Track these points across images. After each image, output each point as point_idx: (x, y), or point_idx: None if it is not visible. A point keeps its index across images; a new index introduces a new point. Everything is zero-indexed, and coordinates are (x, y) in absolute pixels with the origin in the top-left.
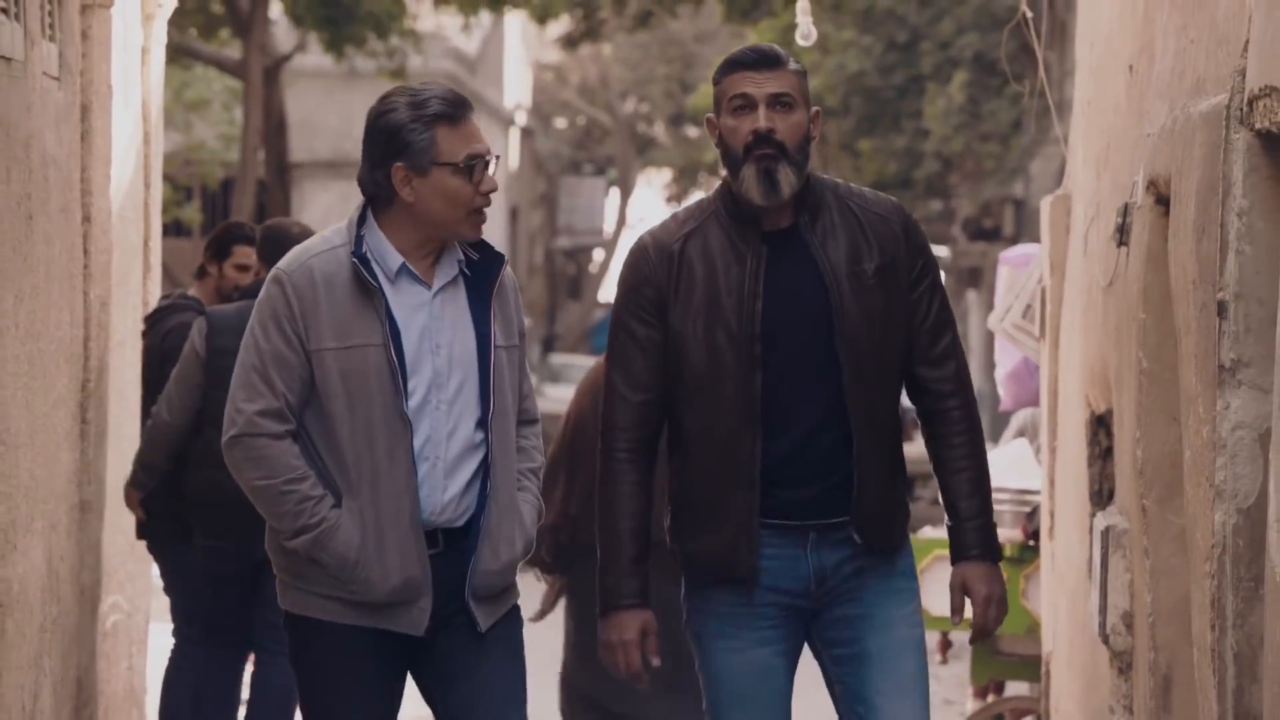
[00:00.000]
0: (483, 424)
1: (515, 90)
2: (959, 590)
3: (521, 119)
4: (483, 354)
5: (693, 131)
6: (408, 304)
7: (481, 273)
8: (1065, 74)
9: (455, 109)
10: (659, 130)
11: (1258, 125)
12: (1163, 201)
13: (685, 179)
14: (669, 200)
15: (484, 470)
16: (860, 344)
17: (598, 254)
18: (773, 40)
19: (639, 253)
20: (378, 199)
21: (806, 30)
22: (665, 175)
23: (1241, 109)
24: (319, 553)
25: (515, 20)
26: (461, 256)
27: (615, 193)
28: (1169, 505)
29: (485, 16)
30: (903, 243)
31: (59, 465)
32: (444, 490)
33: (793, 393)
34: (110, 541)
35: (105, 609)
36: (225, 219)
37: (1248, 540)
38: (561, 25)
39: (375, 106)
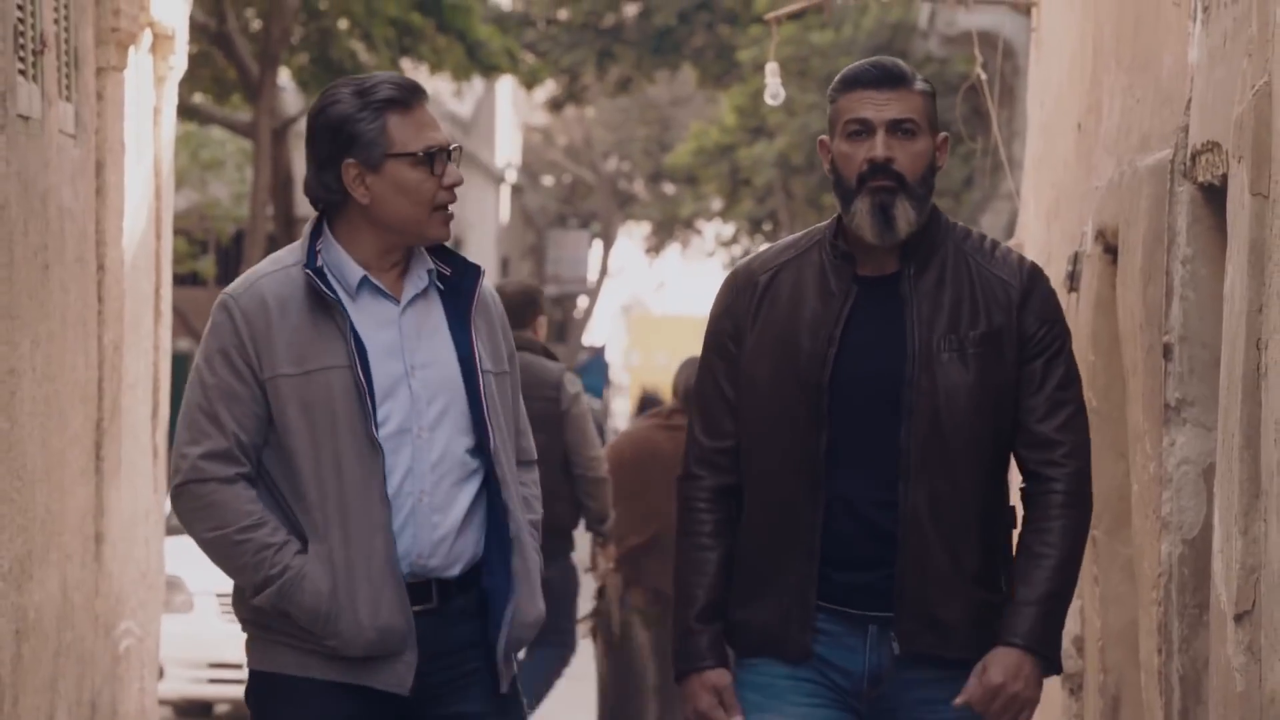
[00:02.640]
0: (480, 452)
1: (506, 150)
2: (978, 675)
3: (512, 177)
4: (468, 375)
5: (669, 188)
6: (373, 321)
7: (456, 287)
8: (1013, 134)
9: (407, 94)
10: (638, 187)
11: (1200, 179)
12: (1111, 250)
13: (663, 231)
14: (648, 251)
15: (489, 506)
16: (932, 425)
17: (582, 300)
18: (742, 104)
19: (727, 282)
20: (330, 206)
21: (775, 90)
22: (644, 228)
23: (1185, 163)
24: (287, 605)
25: (505, 85)
26: (431, 268)
27: (598, 244)
28: (1117, 536)
29: (477, 82)
30: (1016, 312)
31: (74, 500)
32: (433, 529)
33: (858, 461)
34: (122, 571)
35: (118, 634)
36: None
37: (1192, 569)
38: (548, 90)
39: (317, 102)
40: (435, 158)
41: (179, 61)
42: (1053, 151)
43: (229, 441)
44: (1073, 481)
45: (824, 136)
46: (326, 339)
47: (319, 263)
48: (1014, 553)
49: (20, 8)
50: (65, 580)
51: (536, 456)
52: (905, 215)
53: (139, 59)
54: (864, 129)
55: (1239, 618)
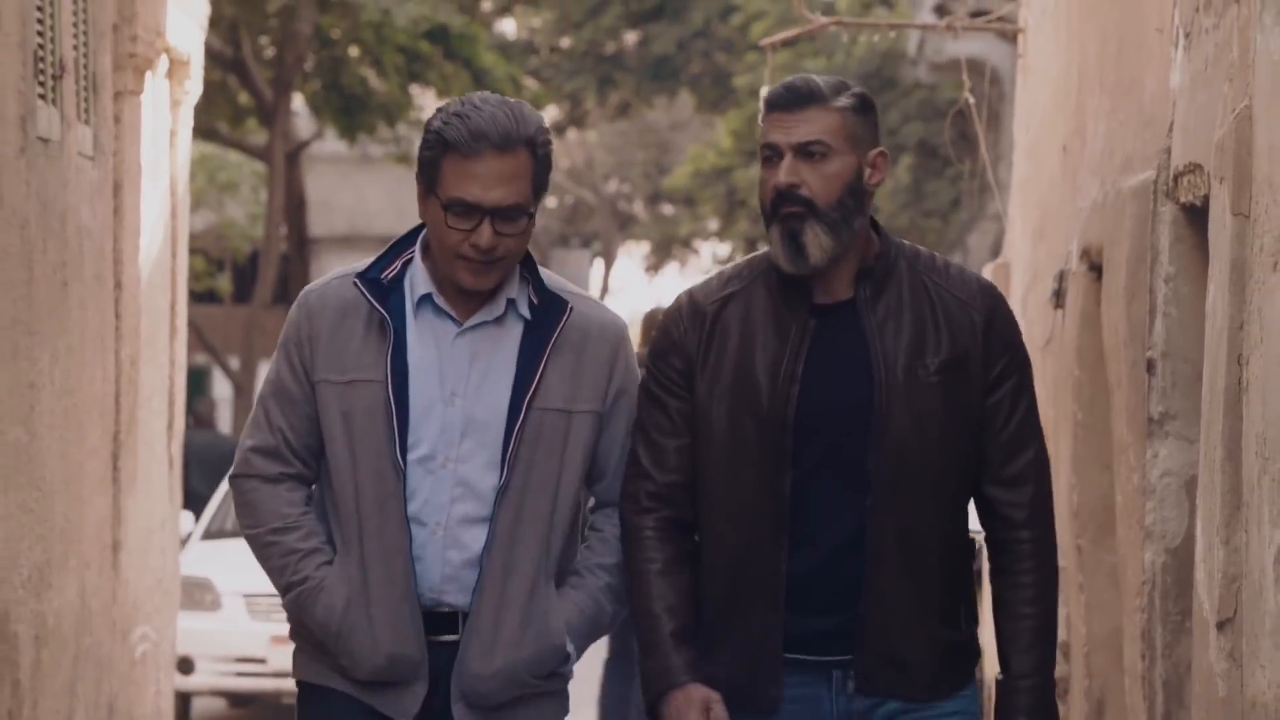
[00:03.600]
0: (496, 499)
1: None
2: None
3: None
4: (513, 411)
5: (668, 209)
6: (426, 340)
7: (541, 320)
8: (999, 157)
9: (474, 141)
10: (638, 208)
11: (1182, 199)
12: (1095, 269)
13: (661, 251)
14: (647, 270)
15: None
16: (901, 454)
17: None
18: (738, 128)
19: (672, 314)
20: None
21: None
22: (644, 248)
23: (1168, 184)
24: (302, 615)
25: None
26: (513, 297)
27: (600, 263)
28: (1102, 545)
29: None
30: (980, 335)
31: (92, 509)
32: (444, 563)
33: (822, 500)
34: (139, 578)
35: (135, 639)
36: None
37: (1175, 577)
38: (551, 115)
39: (450, 99)
40: (457, 212)
41: (194, 86)
42: (1039, 173)
43: (275, 439)
44: (1041, 524)
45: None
46: (372, 351)
47: (393, 273)
48: (987, 596)
49: (40, 34)
50: (83, 587)
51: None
52: (817, 242)
53: (155, 84)
54: (773, 153)
55: (1221, 625)
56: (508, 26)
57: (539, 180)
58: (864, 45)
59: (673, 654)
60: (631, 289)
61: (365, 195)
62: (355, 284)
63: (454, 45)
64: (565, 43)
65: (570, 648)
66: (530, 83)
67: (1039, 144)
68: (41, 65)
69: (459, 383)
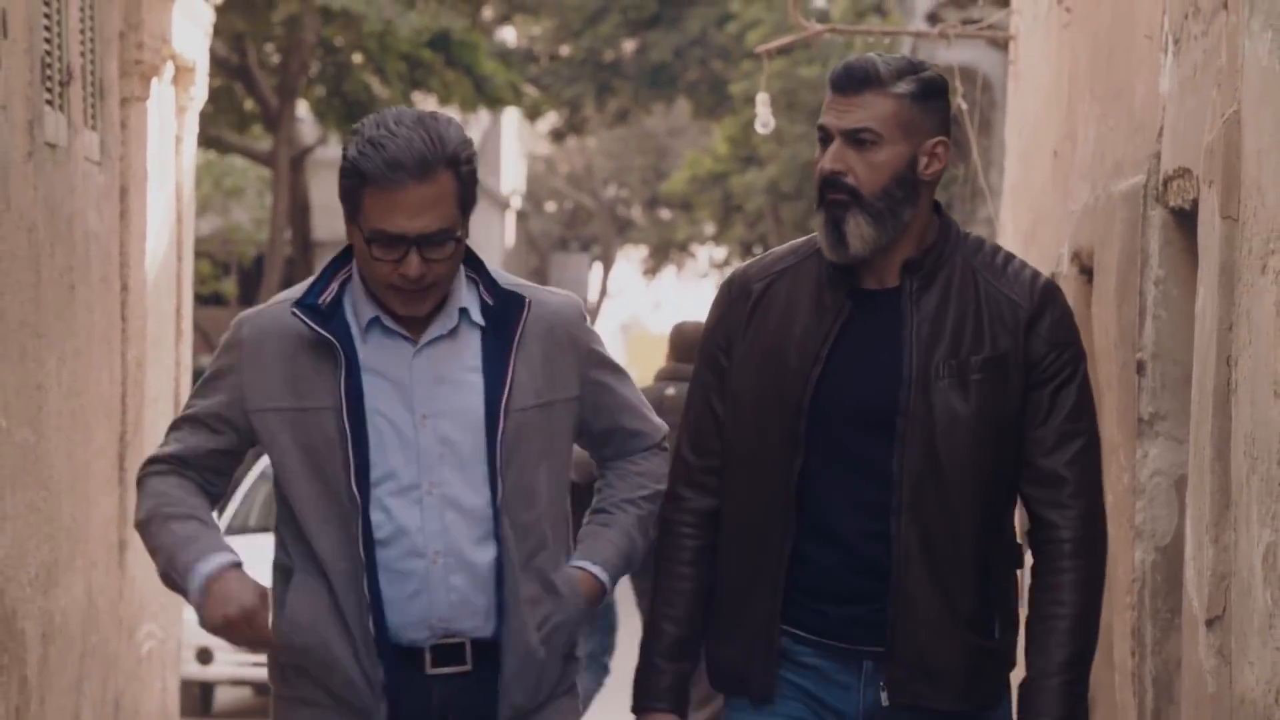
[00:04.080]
0: (492, 513)
1: (511, 178)
2: None
3: (517, 203)
4: (491, 420)
5: (665, 213)
6: (382, 364)
7: (500, 319)
8: (990, 163)
9: (391, 171)
10: (636, 212)
11: (1172, 203)
12: (1086, 271)
13: (659, 255)
14: (645, 273)
15: (499, 571)
16: (927, 457)
17: None
18: (734, 134)
19: (722, 290)
20: None
21: (766, 119)
22: (642, 251)
23: (1157, 189)
24: (170, 570)
25: (511, 117)
26: (464, 306)
27: (598, 266)
28: None
29: (484, 114)
30: (1023, 335)
31: (99, 509)
32: (449, 591)
33: (839, 492)
34: (145, 576)
35: (141, 637)
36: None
37: (1165, 575)
38: (551, 121)
39: (365, 120)
40: (382, 244)
41: (199, 92)
42: (1030, 178)
43: (182, 451)
44: (1081, 525)
45: None
46: (325, 378)
47: (330, 296)
48: (1022, 602)
49: (47, 41)
50: (90, 585)
51: (660, 440)
52: (859, 232)
53: (161, 90)
54: (825, 137)
55: (1210, 622)
56: (508, 34)
57: (464, 199)
58: (858, 52)
59: (661, 675)
60: (629, 292)
61: None
62: (294, 313)
63: (455, 53)
64: (565, 50)
65: (606, 580)
66: (530, 90)
67: (1030, 149)
68: (49, 72)
69: (428, 403)
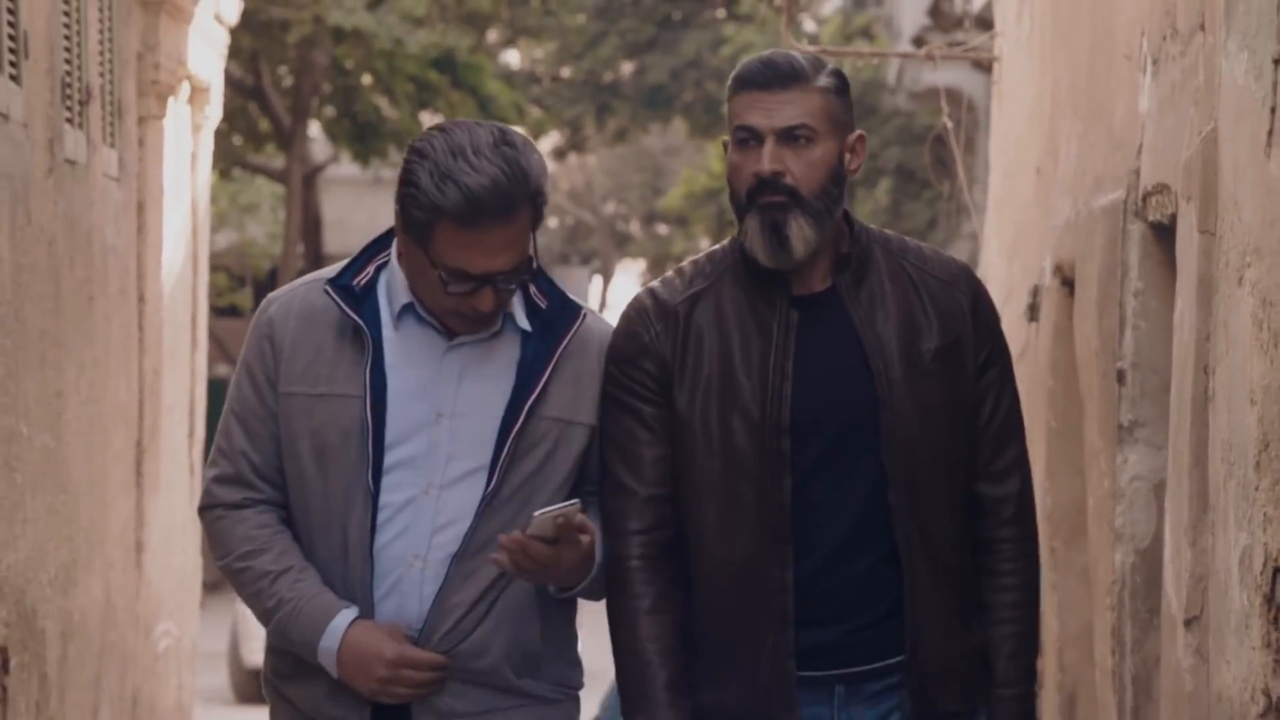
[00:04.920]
0: (480, 507)
1: None
2: None
3: None
4: (509, 416)
5: (662, 228)
6: (410, 354)
7: (550, 325)
8: (973, 180)
9: (475, 214)
10: (634, 228)
11: (1151, 218)
12: (1068, 284)
13: (656, 268)
14: (643, 285)
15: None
16: (914, 447)
17: None
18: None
19: (636, 315)
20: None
21: None
22: (640, 265)
23: (1137, 204)
24: (287, 642)
25: None
26: (514, 308)
27: (598, 279)
28: (1074, 546)
29: None
30: (970, 318)
31: (116, 512)
32: (422, 600)
33: (818, 502)
34: (161, 577)
35: (157, 634)
36: None
37: (1144, 577)
38: (552, 140)
39: (425, 133)
40: (457, 278)
41: (214, 111)
42: (1013, 193)
43: (238, 465)
44: (1025, 522)
45: (726, 138)
46: (348, 363)
47: (365, 279)
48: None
49: (67, 62)
50: (108, 585)
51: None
52: (801, 234)
53: (177, 109)
54: (752, 137)
55: (1188, 622)
56: (512, 57)
57: (536, 224)
58: (849, 74)
59: (667, 709)
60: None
61: (377, 215)
62: (326, 290)
63: (461, 75)
64: (566, 72)
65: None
66: (533, 110)
67: (1014, 166)
68: (69, 91)
69: (446, 401)
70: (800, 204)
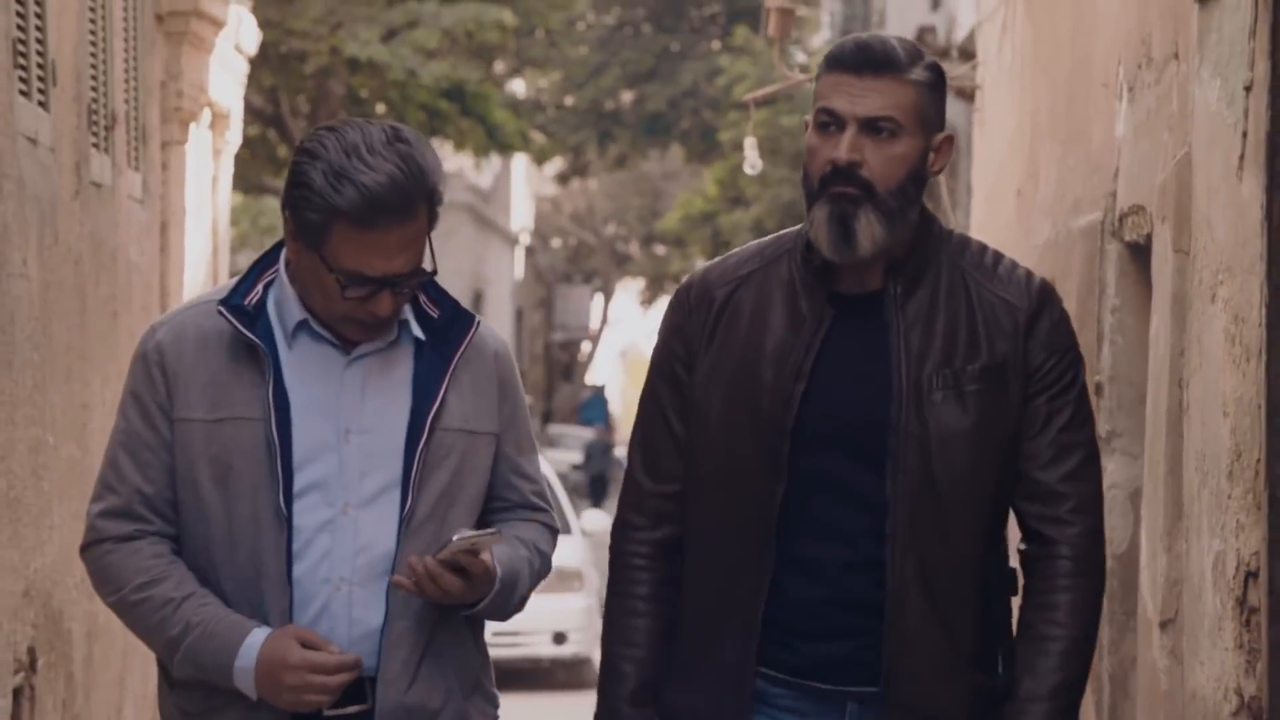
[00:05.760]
0: (400, 529)
1: (520, 217)
2: None
3: (525, 240)
4: (413, 432)
5: (660, 249)
6: (308, 372)
7: (443, 335)
8: (955, 204)
9: (373, 213)
10: (633, 248)
11: (1127, 238)
12: None
13: (654, 287)
14: (642, 303)
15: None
16: (923, 479)
17: (586, 346)
18: (722, 177)
19: (679, 296)
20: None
21: (754, 161)
22: (639, 283)
23: (1114, 224)
24: (199, 669)
25: (520, 161)
26: (405, 318)
27: (599, 297)
28: None
29: (495, 158)
30: (1023, 340)
31: None
32: (351, 624)
33: (823, 516)
34: None
35: None
36: None
37: (1121, 580)
38: (556, 165)
39: (313, 133)
40: (355, 283)
41: (234, 137)
42: (995, 215)
43: (126, 498)
44: (1081, 543)
45: (808, 118)
46: (245, 385)
47: (255, 298)
48: (1014, 628)
49: (94, 89)
50: None
51: (554, 525)
52: (869, 231)
53: (199, 134)
54: (833, 122)
55: (1164, 625)
56: (518, 86)
57: (433, 222)
58: None
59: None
60: (627, 320)
61: None
62: (220, 312)
63: (470, 103)
64: (569, 101)
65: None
66: (538, 136)
67: (995, 189)
68: (95, 117)
69: (353, 418)
70: (873, 199)
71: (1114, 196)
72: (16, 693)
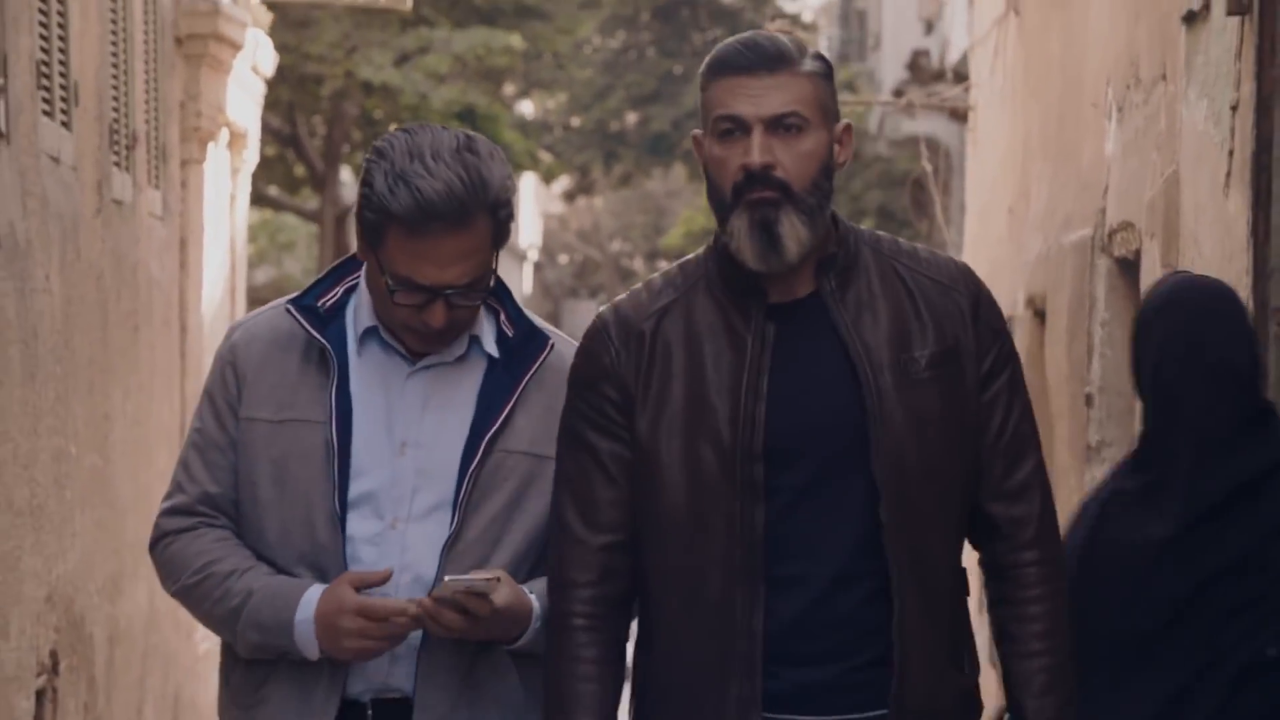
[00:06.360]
0: (443, 551)
1: (529, 233)
2: None
3: (534, 256)
4: (468, 451)
5: (664, 265)
6: (372, 379)
7: (517, 353)
8: (949, 221)
9: (425, 219)
10: (638, 264)
11: (1116, 253)
12: (1039, 314)
13: None
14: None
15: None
16: (906, 463)
17: None
18: None
19: (596, 334)
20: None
21: None
22: None
23: (1103, 240)
24: (260, 634)
25: (528, 180)
26: (482, 331)
27: None
28: None
29: None
30: (970, 323)
31: None
32: (393, 640)
33: (806, 532)
34: None
35: (198, 637)
36: None
37: None
38: (563, 184)
39: (390, 133)
40: (406, 289)
41: (251, 156)
42: (988, 231)
43: (191, 495)
44: (1049, 544)
45: (697, 132)
46: (312, 388)
47: (332, 300)
48: (995, 640)
49: (115, 109)
50: (152, 593)
51: None
52: (794, 232)
53: (217, 153)
54: (737, 127)
55: None
56: (527, 108)
57: (499, 241)
58: None
59: None
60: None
61: None
62: (289, 311)
63: (480, 124)
64: (576, 122)
65: (536, 607)
66: (545, 156)
67: (988, 207)
68: (116, 137)
69: (410, 430)
70: (792, 200)
71: (1104, 213)
72: (40, 694)
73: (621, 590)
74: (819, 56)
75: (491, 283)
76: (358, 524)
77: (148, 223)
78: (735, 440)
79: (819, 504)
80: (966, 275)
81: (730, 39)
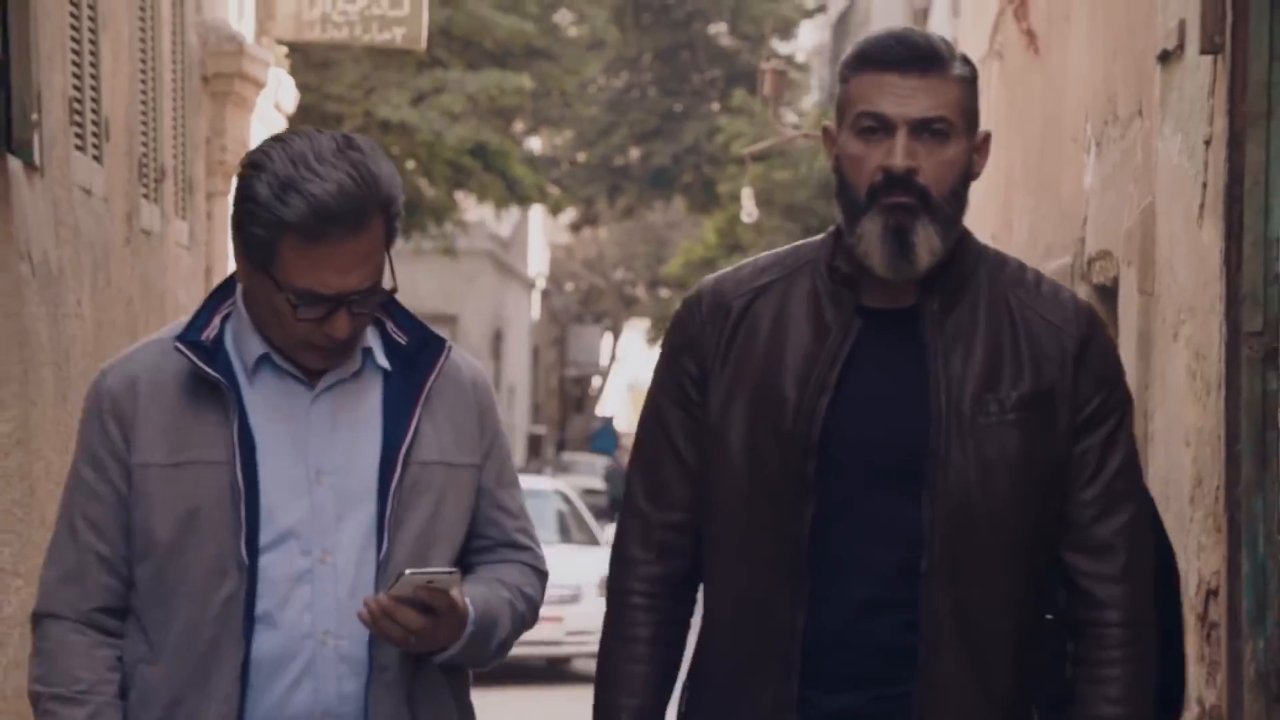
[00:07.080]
0: (378, 573)
1: (537, 262)
2: None
3: (541, 284)
4: (385, 468)
5: (665, 292)
6: (272, 409)
7: (411, 362)
8: None
9: (322, 225)
10: (640, 291)
11: (1095, 280)
12: None
13: (659, 327)
14: (648, 342)
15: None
16: (964, 511)
17: (596, 380)
18: (721, 227)
19: (688, 308)
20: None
21: (750, 210)
22: (645, 324)
23: (1083, 268)
24: None
25: (536, 212)
26: (368, 346)
27: (609, 336)
28: None
29: (514, 209)
30: (1072, 367)
31: None
32: (339, 680)
33: (849, 546)
34: None
35: None
36: None
37: None
38: (570, 215)
39: (260, 146)
40: (307, 303)
41: None
42: None
43: (83, 558)
44: (1135, 605)
45: (829, 124)
46: (208, 426)
47: (212, 333)
48: (1067, 690)
49: (144, 145)
50: None
51: (532, 545)
52: (928, 242)
53: None
54: (880, 126)
55: None
56: (535, 144)
57: (390, 240)
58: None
59: None
60: (634, 357)
61: (417, 281)
62: (177, 348)
63: (491, 159)
64: (582, 157)
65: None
66: (553, 189)
67: None
68: (145, 170)
69: (325, 457)
70: (930, 208)
71: (1083, 242)
72: None
73: (682, 570)
74: (967, 60)
75: (392, 286)
76: (281, 565)
77: (175, 252)
78: (793, 429)
79: (864, 522)
80: (1081, 317)
81: (884, 32)
